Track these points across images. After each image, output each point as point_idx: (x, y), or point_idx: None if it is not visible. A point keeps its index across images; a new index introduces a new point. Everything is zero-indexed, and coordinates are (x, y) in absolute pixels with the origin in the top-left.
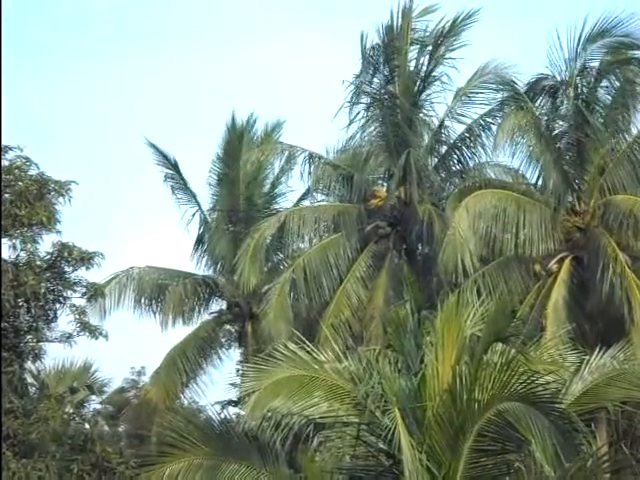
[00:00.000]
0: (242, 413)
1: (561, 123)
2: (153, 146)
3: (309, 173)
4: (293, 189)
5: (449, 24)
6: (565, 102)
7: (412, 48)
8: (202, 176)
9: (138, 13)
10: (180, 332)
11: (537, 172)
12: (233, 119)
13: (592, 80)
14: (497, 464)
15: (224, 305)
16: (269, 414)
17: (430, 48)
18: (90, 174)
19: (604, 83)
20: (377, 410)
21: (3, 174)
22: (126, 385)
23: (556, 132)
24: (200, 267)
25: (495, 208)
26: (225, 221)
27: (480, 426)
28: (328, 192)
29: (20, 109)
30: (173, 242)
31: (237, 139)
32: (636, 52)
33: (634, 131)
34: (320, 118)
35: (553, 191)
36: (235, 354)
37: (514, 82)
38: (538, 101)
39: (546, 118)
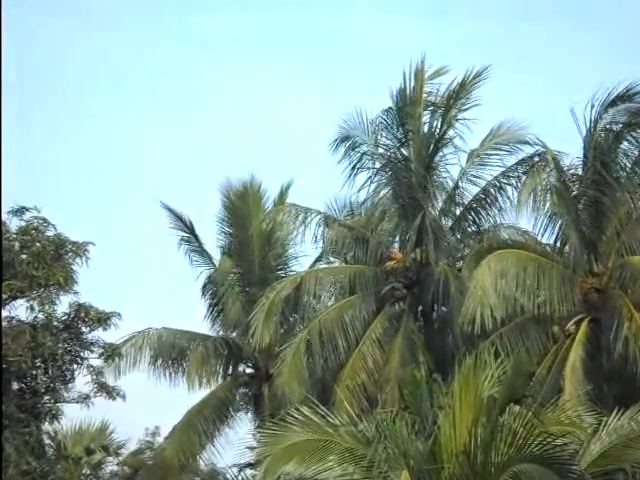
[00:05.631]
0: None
1: (579, 184)
2: (168, 209)
3: (323, 235)
4: (307, 254)
5: (459, 84)
6: (584, 163)
7: (425, 112)
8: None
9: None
10: (196, 394)
11: (555, 233)
12: (228, 183)
13: (611, 142)
14: None
15: (242, 367)
16: (281, 479)
17: (442, 110)
18: (105, 235)
19: (622, 146)
20: (391, 471)
21: (20, 235)
22: (141, 446)
23: (574, 193)
24: (215, 329)
25: (516, 268)
26: (240, 283)
27: None
28: (343, 254)
29: (35, 171)
30: (189, 304)
31: (243, 201)
32: None
33: None
34: (325, 179)
35: (571, 252)
36: (252, 416)
37: (531, 142)
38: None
39: (564, 179)
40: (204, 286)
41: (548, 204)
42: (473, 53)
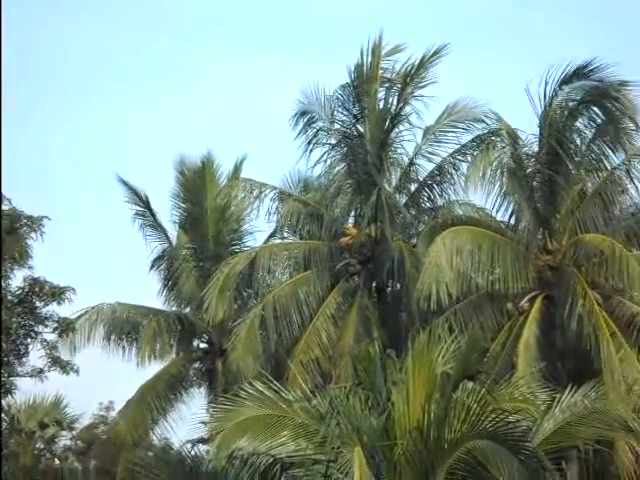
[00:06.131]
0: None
1: (534, 161)
2: (124, 182)
3: (277, 210)
4: (261, 230)
5: (417, 62)
6: (539, 140)
7: (381, 88)
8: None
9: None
10: (150, 368)
11: (510, 210)
12: (182, 159)
13: (565, 120)
14: None
15: (195, 342)
16: (235, 454)
17: (399, 86)
18: (61, 209)
19: (577, 124)
20: (344, 447)
21: None
22: (95, 420)
23: (529, 170)
24: (169, 304)
25: (471, 245)
26: (194, 258)
27: (450, 464)
28: (298, 229)
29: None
30: (142, 278)
31: (198, 177)
32: (606, 99)
33: (604, 171)
34: (279, 154)
35: (526, 230)
36: (205, 391)
37: (486, 120)
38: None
39: (519, 156)
40: (155, 260)
41: (499, 182)
42: (433, 31)
